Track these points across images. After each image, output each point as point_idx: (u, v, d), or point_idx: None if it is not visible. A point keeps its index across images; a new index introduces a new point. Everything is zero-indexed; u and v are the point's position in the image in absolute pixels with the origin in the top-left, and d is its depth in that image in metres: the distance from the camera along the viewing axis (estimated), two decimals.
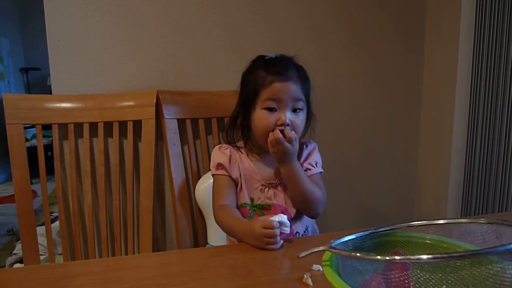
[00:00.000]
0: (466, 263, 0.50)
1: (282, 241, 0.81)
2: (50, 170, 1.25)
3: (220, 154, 1.03)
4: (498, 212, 1.40)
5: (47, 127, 1.23)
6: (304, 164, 1.01)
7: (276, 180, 1.00)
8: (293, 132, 0.92)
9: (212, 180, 1.05)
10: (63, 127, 1.26)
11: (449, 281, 0.50)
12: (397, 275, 0.51)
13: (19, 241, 1.55)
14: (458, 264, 0.50)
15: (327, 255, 0.58)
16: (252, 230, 0.80)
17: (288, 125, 0.93)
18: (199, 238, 1.34)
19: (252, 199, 1.00)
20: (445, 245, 0.61)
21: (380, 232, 0.64)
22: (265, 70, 0.95)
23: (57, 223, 1.37)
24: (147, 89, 1.30)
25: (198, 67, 1.36)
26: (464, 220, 0.61)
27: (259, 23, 1.40)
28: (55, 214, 1.52)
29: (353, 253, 0.55)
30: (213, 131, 1.34)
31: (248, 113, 0.99)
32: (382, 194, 1.65)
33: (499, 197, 1.39)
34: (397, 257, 0.49)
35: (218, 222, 0.96)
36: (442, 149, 1.53)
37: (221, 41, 1.37)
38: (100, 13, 1.27)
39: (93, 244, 1.27)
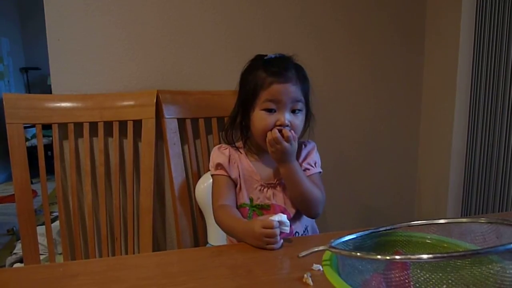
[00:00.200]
0: (467, 262, 0.50)
1: (282, 241, 0.81)
2: (50, 170, 1.25)
3: (219, 154, 1.03)
4: (498, 212, 1.39)
5: (47, 127, 1.23)
6: (303, 164, 1.01)
7: (275, 180, 1.00)
8: (291, 131, 0.92)
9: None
10: (63, 126, 1.25)
11: (450, 281, 0.50)
12: (397, 275, 0.51)
13: (19, 241, 1.55)
14: (458, 263, 0.50)
15: (327, 255, 0.58)
16: (252, 230, 0.80)
17: (287, 125, 0.93)
18: (199, 237, 1.34)
19: (251, 199, 1.00)
20: (445, 245, 0.61)
21: (380, 232, 0.64)
22: (265, 70, 0.95)
23: (57, 222, 1.37)
24: (147, 89, 1.30)
25: (198, 67, 1.36)
26: (464, 220, 0.61)
27: (259, 23, 1.40)
28: (55, 214, 1.53)
29: (353, 253, 0.55)
30: (213, 131, 1.34)
31: (247, 113, 0.99)
32: (382, 194, 1.65)
33: (499, 197, 1.39)
34: (397, 257, 0.49)
35: (218, 222, 0.96)
36: (442, 149, 1.53)
37: (221, 41, 1.37)
38: (100, 13, 1.27)
39: (93, 243, 1.27)
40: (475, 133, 1.44)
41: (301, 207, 0.99)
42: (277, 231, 0.79)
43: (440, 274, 0.51)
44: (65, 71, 1.27)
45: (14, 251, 2.07)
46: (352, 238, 0.61)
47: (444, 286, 0.50)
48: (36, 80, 4.91)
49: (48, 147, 1.29)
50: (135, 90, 1.31)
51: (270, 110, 0.94)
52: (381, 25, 1.53)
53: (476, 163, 1.45)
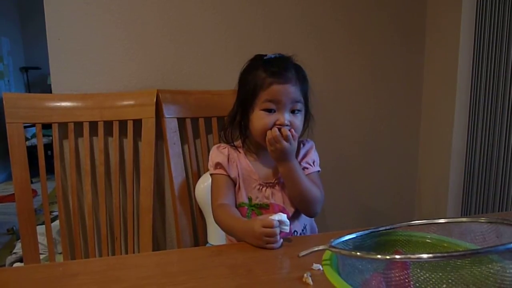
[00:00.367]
0: (467, 262, 0.50)
1: (282, 240, 0.81)
2: (50, 169, 1.26)
3: (218, 153, 1.03)
4: (498, 211, 1.39)
5: (47, 126, 1.23)
6: (302, 163, 1.01)
7: (274, 179, 1.00)
8: (291, 130, 0.92)
9: None
10: (63, 126, 1.25)
11: (450, 280, 0.50)
12: (397, 274, 0.51)
13: (19, 240, 1.55)
14: (458, 263, 0.50)
15: (327, 254, 0.58)
16: (252, 229, 0.80)
17: (287, 125, 0.93)
18: (199, 237, 1.34)
19: (250, 199, 1.00)
20: (445, 244, 0.61)
21: (380, 231, 0.64)
22: (264, 70, 0.95)
23: (57, 222, 1.37)
24: (147, 88, 1.30)
25: (198, 66, 1.36)
26: (464, 219, 0.61)
27: (259, 23, 1.40)
28: (55, 213, 1.52)
29: (353, 252, 0.54)
30: (213, 130, 1.34)
31: (246, 113, 0.99)
32: (382, 194, 1.65)
33: (499, 197, 1.39)
34: (397, 256, 0.49)
35: (217, 221, 0.96)
36: (442, 148, 1.53)
37: (221, 41, 1.37)
38: (100, 12, 1.27)
39: (93, 243, 1.27)
40: (475, 133, 1.44)
41: (300, 206, 0.99)
42: (277, 230, 0.79)
43: (440, 274, 0.51)
44: (65, 70, 1.27)
45: (14, 251, 2.07)
46: (352, 238, 0.61)
47: (444, 286, 0.50)
48: (36, 79, 4.91)
49: (48, 147, 1.29)
50: (135, 89, 1.31)
51: (269, 110, 0.94)
52: (381, 25, 1.53)
53: (476, 163, 1.45)
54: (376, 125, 1.60)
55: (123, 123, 1.27)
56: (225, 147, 1.04)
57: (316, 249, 0.59)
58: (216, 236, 1.23)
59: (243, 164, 1.01)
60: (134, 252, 1.30)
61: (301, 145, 1.04)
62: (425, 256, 0.46)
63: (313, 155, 1.04)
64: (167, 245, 1.44)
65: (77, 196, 1.25)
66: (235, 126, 1.03)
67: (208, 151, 1.07)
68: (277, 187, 1.00)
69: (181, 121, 1.31)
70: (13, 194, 1.21)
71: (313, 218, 1.07)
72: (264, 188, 1.00)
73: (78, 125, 1.25)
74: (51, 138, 1.25)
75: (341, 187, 1.59)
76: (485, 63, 1.38)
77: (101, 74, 1.29)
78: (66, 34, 1.26)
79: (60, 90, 1.27)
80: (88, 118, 1.25)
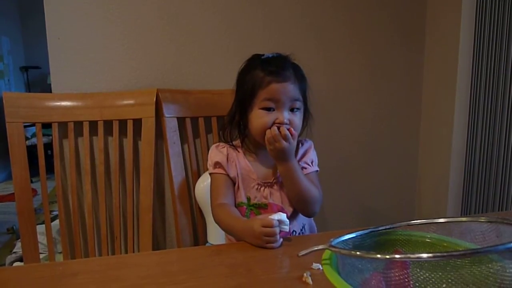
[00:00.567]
0: (466, 261, 0.50)
1: (281, 240, 0.81)
2: (50, 169, 1.26)
3: (217, 153, 1.03)
4: (498, 211, 1.39)
5: (47, 126, 1.23)
6: (300, 163, 1.01)
7: (272, 179, 1.00)
8: (290, 129, 0.92)
9: None
10: (63, 125, 1.25)
11: (449, 280, 0.50)
12: (397, 274, 0.51)
13: (19, 240, 1.55)
14: (458, 262, 0.50)
15: (327, 254, 0.58)
16: (252, 229, 0.80)
17: (286, 124, 0.93)
18: (199, 236, 1.34)
19: (248, 199, 1.00)
20: (445, 244, 0.61)
21: (380, 231, 0.64)
22: (262, 70, 0.95)
23: (57, 221, 1.37)
24: (147, 88, 1.30)
25: (198, 66, 1.36)
26: (464, 219, 0.61)
27: (260, 22, 1.40)
28: (55, 213, 1.52)
29: (353, 252, 0.54)
30: (213, 130, 1.34)
31: (245, 113, 0.99)
32: (382, 194, 1.65)
33: (499, 196, 1.39)
34: (397, 256, 0.49)
35: (216, 221, 0.96)
36: (442, 148, 1.53)
37: (221, 40, 1.37)
38: (100, 12, 1.27)
39: (93, 242, 1.27)
40: (475, 133, 1.44)
41: (298, 206, 0.98)
42: (277, 230, 0.79)
43: (440, 273, 0.50)
44: (65, 70, 1.27)
45: (14, 250, 2.07)
46: (352, 237, 0.61)
47: (444, 285, 0.50)
48: (36, 79, 4.91)
49: (48, 146, 1.29)
50: (135, 89, 1.31)
51: (268, 109, 0.94)
52: (381, 25, 1.53)
53: (476, 162, 1.45)
54: (376, 125, 1.59)
55: (123, 123, 1.27)
56: (224, 147, 1.04)
57: (316, 248, 0.59)
58: (216, 235, 1.23)
59: (242, 163, 1.01)
60: (134, 252, 1.30)
61: (300, 145, 1.04)
62: (425, 255, 0.46)
63: (312, 155, 1.04)
64: (167, 245, 1.44)
65: (77, 196, 1.25)
66: (234, 125, 1.03)
67: (208, 151, 1.07)
68: (275, 187, 1.00)
69: (181, 121, 1.31)
70: (13, 193, 1.21)
71: (312, 218, 1.07)
72: (262, 188, 1.00)
73: (78, 125, 1.25)
74: (51, 137, 1.25)
75: (341, 187, 1.59)
76: (485, 62, 1.38)
77: (101, 73, 1.29)
78: (66, 34, 1.26)
79: (60, 90, 1.27)
80: (88, 118, 1.24)
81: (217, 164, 1.01)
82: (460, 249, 0.59)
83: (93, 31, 1.27)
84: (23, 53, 4.97)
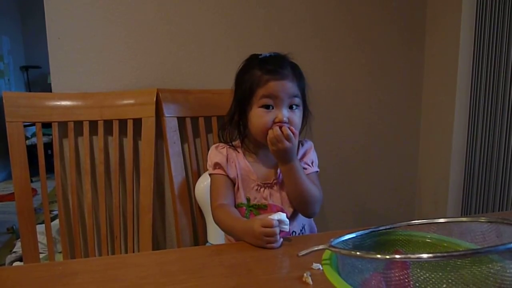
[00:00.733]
0: (467, 262, 0.50)
1: (281, 240, 0.81)
2: (50, 168, 1.25)
3: (217, 153, 1.02)
4: (498, 211, 1.39)
5: (47, 125, 1.23)
6: (300, 163, 1.01)
7: (272, 180, 1.00)
8: (292, 128, 0.92)
9: None
10: (63, 125, 1.25)
11: (449, 280, 0.50)
12: (397, 274, 0.51)
13: (19, 239, 1.55)
14: (458, 263, 0.50)
15: (327, 254, 0.57)
16: (252, 229, 0.80)
17: (286, 122, 0.93)
18: (199, 236, 1.34)
19: (248, 199, 1.00)
20: (445, 244, 0.61)
21: (380, 231, 0.64)
22: (260, 69, 0.95)
23: (57, 221, 1.37)
24: (147, 88, 1.30)
25: (198, 66, 1.36)
26: (464, 219, 0.61)
27: (260, 22, 1.40)
28: (55, 212, 1.52)
29: (353, 252, 0.54)
30: (213, 130, 1.34)
31: (244, 112, 0.99)
32: (382, 194, 1.65)
33: (499, 197, 1.39)
34: (397, 256, 0.49)
35: (216, 221, 0.96)
36: (442, 148, 1.53)
37: (222, 40, 1.37)
38: (100, 11, 1.27)
39: (93, 242, 1.27)
40: (475, 133, 1.44)
41: (299, 206, 0.98)
42: (277, 230, 0.79)
43: (440, 274, 0.50)
44: (65, 69, 1.27)
45: (14, 250, 2.07)
46: (352, 237, 0.60)
47: (444, 286, 0.50)
48: (37, 78, 4.91)
49: (48, 146, 1.29)
50: (135, 88, 1.31)
51: (267, 107, 0.94)
52: (381, 25, 1.53)
53: (476, 162, 1.45)
54: (376, 125, 1.59)
55: (123, 122, 1.27)
56: (224, 147, 1.04)
57: (316, 248, 0.59)
58: (216, 235, 1.23)
59: (241, 164, 1.01)
60: (133, 251, 1.30)
61: (300, 145, 1.04)
62: (425, 255, 0.46)
63: (312, 156, 1.04)
64: (166, 245, 1.44)
65: (77, 195, 1.25)
66: (234, 125, 1.03)
67: (208, 151, 1.07)
68: (275, 188, 1.00)
69: (181, 120, 1.31)
70: (13, 193, 1.21)
71: (311, 218, 1.07)
72: (262, 189, 0.99)
73: (78, 124, 1.25)
74: (51, 137, 1.25)
75: (340, 187, 1.59)
76: (485, 63, 1.38)
77: (101, 73, 1.29)
78: (66, 33, 1.26)
79: (60, 89, 1.27)
80: (88, 117, 1.24)
81: (216, 165, 1.01)
82: (461, 249, 0.59)
83: (93, 31, 1.27)
84: (23, 53, 4.96)
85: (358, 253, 0.52)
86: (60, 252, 1.41)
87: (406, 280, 0.51)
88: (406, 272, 0.51)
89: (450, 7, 1.45)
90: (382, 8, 1.52)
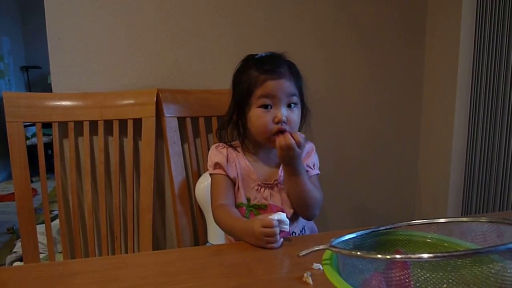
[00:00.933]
0: (467, 262, 0.50)
1: (282, 240, 0.81)
2: (50, 169, 1.25)
3: (217, 153, 1.02)
4: (499, 211, 1.39)
5: (47, 125, 1.23)
6: (304, 167, 1.00)
7: (273, 181, 1.00)
8: (302, 135, 0.92)
9: None
10: (63, 125, 1.25)
11: (450, 280, 0.50)
12: (397, 274, 0.51)
13: (19, 240, 1.55)
14: (459, 263, 0.50)
15: (327, 254, 0.57)
16: (252, 229, 0.80)
17: (284, 121, 0.93)
18: (199, 236, 1.34)
19: (248, 199, 1.00)
20: (446, 244, 0.61)
21: (380, 231, 0.63)
22: (257, 69, 0.95)
23: (57, 221, 1.37)
24: (148, 88, 1.30)
25: (198, 66, 1.36)
26: (465, 219, 0.61)
27: (260, 22, 1.40)
28: (55, 213, 1.52)
29: (353, 252, 0.54)
30: (213, 130, 1.34)
31: (243, 113, 0.99)
32: (382, 194, 1.65)
33: (499, 197, 1.39)
34: (397, 256, 0.49)
35: (217, 221, 0.96)
36: (443, 148, 1.53)
37: (222, 40, 1.37)
38: (101, 11, 1.27)
39: (93, 242, 1.27)
40: (475, 133, 1.43)
41: (300, 208, 0.98)
42: (277, 230, 0.79)
43: (441, 274, 0.50)
44: (65, 69, 1.27)
45: (14, 250, 2.07)
46: (353, 237, 0.60)
47: (445, 286, 0.50)
48: (37, 78, 4.91)
49: (48, 146, 1.29)
50: (135, 88, 1.31)
51: (266, 107, 0.94)
52: (381, 25, 1.53)
53: (476, 162, 1.45)
54: (377, 125, 1.59)
55: (123, 122, 1.27)
56: (224, 147, 1.03)
57: (316, 248, 0.59)
58: (216, 235, 1.23)
59: (242, 164, 1.01)
60: (134, 252, 1.30)
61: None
62: (425, 256, 0.46)
63: (314, 158, 1.04)
64: (167, 245, 1.43)
65: (77, 195, 1.25)
66: (233, 126, 1.03)
67: (208, 151, 1.07)
68: (275, 189, 1.00)
69: (181, 120, 1.31)
70: (13, 193, 1.21)
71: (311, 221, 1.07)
72: (262, 189, 0.99)
73: (78, 124, 1.25)
74: (51, 137, 1.25)
75: (341, 187, 1.59)
76: (485, 62, 1.38)
77: (101, 73, 1.29)
78: (66, 33, 1.26)
79: (60, 89, 1.27)
80: (88, 117, 1.24)
81: (217, 165, 1.01)
82: (461, 249, 0.59)
83: (93, 31, 1.27)
84: (24, 53, 4.97)
85: (358, 253, 0.52)
86: (60, 252, 1.41)
87: (407, 280, 0.51)
88: (406, 272, 0.51)
89: (450, 7, 1.45)
90: (382, 8, 1.51)
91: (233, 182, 1.01)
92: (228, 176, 1.00)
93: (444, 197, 1.54)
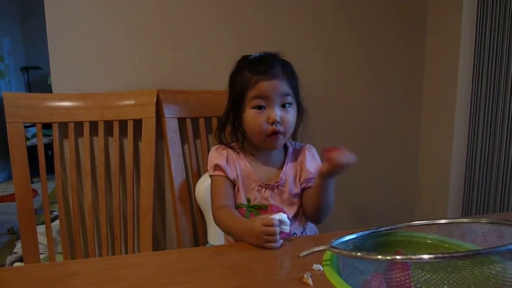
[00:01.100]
0: (468, 263, 0.50)
1: (282, 240, 0.81)
2: (50, 169, 1.25)
3: (217, 155, 1.03)
4: (499, 212, 1.39)
5: (47, 126, 1.23)
6: (314, 169, 1.00)
7: (274, 182, 1.00)
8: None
9: None
10: (63, 126, 1.25)
11: (451, 281, 0.50)
12: (398, 275, 0.51)
13: (19, 240, 1.55)
14: (459, 264, 0.50)
15: (327, 255, 0.57)
16: (252, 228, 0.80)
17: (278, 122, 0.93)
18: (199, 237, 1.34)
19: (248, 200, 1.00)
20: (446, 245, 0.61)
21: (381, 232, 0.63)
22: (250, 70, 0.95)
23: (57, 222, 1.37)
24: (148, 88, 1.30)
25: (198, 66, 1.36)
26: (465, 220, 0.61)
27: (260, 22, 1.40)
28: (55, 213, 1.52)
29: (353, 253, 0.54)
30: (214, 130, 1.33)
31: (238, 114, 0.99)
32: (382, 195, 1.65)
33: (500, 198, 1.39)
34: (398, 257, 0.49)
35: (217, 222, 0.96)
36: (443, 149, 1.52)
37: (222, 40, 1.37)
38: (101, 12, 1.26)
39: (93, 243, 1.27)
40: (475, 133, 1.43)
41: (315, 214, 0.98)
42: (277, 229, 0.79)
43: (441, 275, 0.50)
44: (66, 70, 1.27)
45: (14, 250, 2.07)
46: (353, 238, 0.60)
47: (445, 287, 0.50)
48: (37, 79, 4.92)
49: (48, 146, 1.29)
50: (135, 89, 1.31)
51: (260, 108, 0.94)
52: (381, 25, 1.53)
53: (476, 163, 1.44)
54: (377, 125, 1.59)
55: (123, 123, 1.27)
56: (224, 148, 1.04)
57: (317, 249, 0.59)
58: (216, 236, 1.23)
59: (242, 165, 1.01)
60: (134, 252, 1.30)
61: (306, 150, 1.04)
62: (426, 256, 0.46)
63: (319, 161, 1.04)
64: (167, 245, 1.43)
65: (77, 196, 1.25)
66: (231, 128, 1.04)
67: (209, 151, 1.07)
68: (276, 191, 1.00)
69: (181, 121, 1.31)
70: (13, 194, 1.21)
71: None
72: (263, 190, 0.99)
73: (78, 125, 1.25)
74: (51, 138, 1.25)
75: (341, 188, 1.57)
76: (486, 63, 1.38)
77: (102, 73, 1.29)
78: (67, 34, 1.26)
79: (61, 90, 1.27)
80: (88, 118, 1.24)
81: (217, 167, 1.01)
82: (462, 250, 0.59)
83: (93, 32, 1.27)
84: (24, 54, 4.97)
85: (359, 254, 0.52)
86: (60, 253, 1.41)
87: (407, 281, 0.51)
88: (407, 273, 0.51)
89: (450, 7, 1.45)
90: (382, 8, 1.51)
91: (233, 184, 1.01)
92: (228, 177, 1.00)
93: (444, 197, 1.53)
